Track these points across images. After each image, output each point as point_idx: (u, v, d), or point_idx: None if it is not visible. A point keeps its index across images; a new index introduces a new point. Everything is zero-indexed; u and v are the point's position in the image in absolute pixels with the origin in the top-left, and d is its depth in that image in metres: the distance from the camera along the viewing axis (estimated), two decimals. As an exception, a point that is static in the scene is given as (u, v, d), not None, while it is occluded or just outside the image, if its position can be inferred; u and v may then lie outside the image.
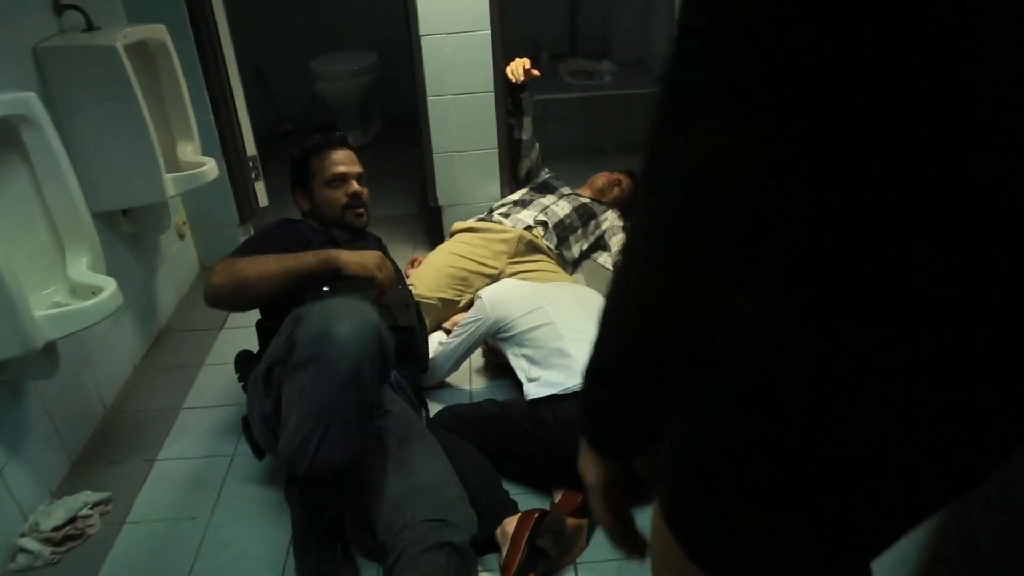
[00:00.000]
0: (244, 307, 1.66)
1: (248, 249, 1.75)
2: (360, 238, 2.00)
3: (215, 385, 2.31)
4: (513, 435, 1.71)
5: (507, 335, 1.95)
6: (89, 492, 1.80)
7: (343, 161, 1.98)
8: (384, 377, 1.42)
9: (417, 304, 2.03)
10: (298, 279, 1.61)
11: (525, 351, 1.90)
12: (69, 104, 1.99)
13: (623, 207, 2.86)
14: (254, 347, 1.92)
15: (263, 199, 2.96)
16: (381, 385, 1.42)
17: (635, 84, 3.80)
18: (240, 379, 1.92)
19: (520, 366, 1.89)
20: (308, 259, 1.63)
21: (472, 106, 2.67)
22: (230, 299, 1.62)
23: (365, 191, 2.02)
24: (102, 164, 2.05)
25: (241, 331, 2.46)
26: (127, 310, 2.34)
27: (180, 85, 2.29)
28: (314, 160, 1.97)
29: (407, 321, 1.82)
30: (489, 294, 2.03)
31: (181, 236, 2.82)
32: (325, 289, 1.66)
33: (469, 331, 2.00)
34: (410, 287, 2.26)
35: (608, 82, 3.90)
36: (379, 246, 2.09)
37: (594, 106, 3.79)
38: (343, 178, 1.95)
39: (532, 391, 1.76)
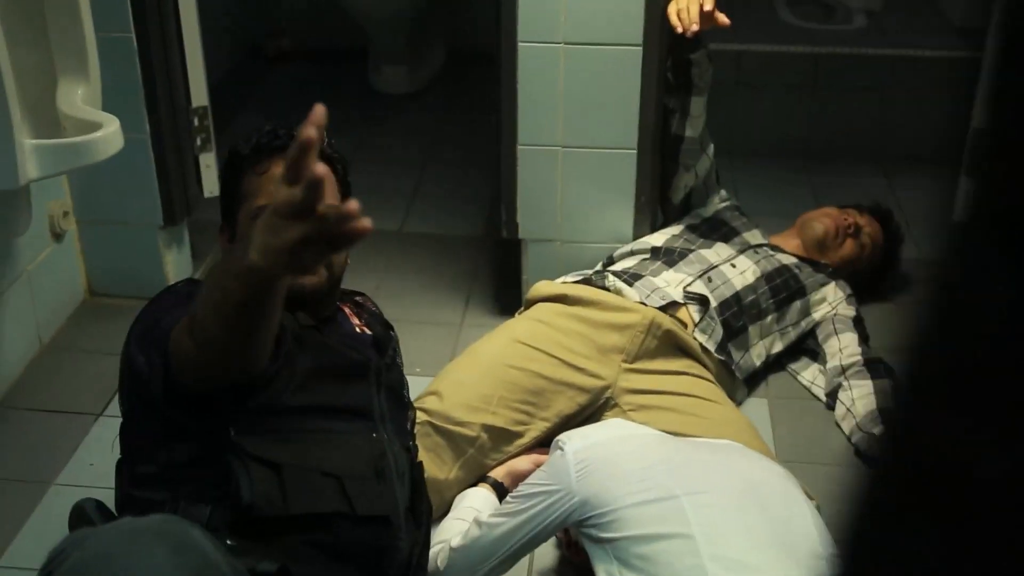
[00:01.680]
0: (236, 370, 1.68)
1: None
2: (322, 322, 1.99)
3: (54, 540, 2.10)
4: None
5: (603, 534, 1.96)
6: None
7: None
8: None
9: (416, 456, 2.03)
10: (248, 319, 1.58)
11: (630, 574, 1.91)
12: None
13: (859, 277, 2.92)
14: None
15: (211, 184, 3.01)
16: None
17: (911, 36, 3.95)
18: None
19: (617, 600, 1.93)
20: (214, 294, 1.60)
21: (599, 68, 2.72)
22: (216, 352, 1.63)
23: None
24: None
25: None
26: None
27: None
28: (247, 175, 1.97)
29: (379, 504, 1.81)
30: (580, 447, 2.03)
31: (58, 235, 2.91)
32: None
33: (536, 508, 2.01)
34: (419, 408, 2.28)
35: (860, 28, 4.06)
36: (380, 334, 2.11)
37: (830, 72, 3.90)
38: None
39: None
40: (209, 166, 2.98)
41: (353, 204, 1.37)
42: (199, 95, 2.90)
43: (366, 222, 1.38)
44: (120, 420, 1.91)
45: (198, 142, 2.92)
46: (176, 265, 2.96)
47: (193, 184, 2.96)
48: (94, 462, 2.44)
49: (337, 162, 2.00)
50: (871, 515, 0.56)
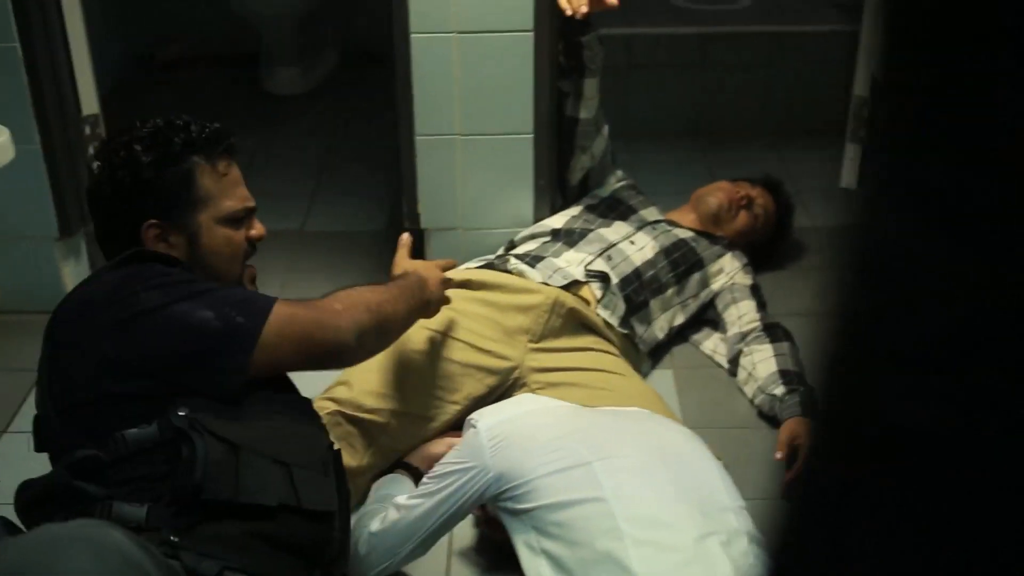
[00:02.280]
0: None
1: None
2: None
3: None
4: None
5: (519, 506, 1.97)
6: None
7: (240, 179, 2.05)
8: None
9: (335, 449, 2.00)
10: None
11: (548, 544, 1.92)
12: None
13: (755, 247, 2.97)
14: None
15: None
16: None
17: (793, 13, 4.03)
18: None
19: (536, 571, 1.92)
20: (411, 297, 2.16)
21: (492, 55, 2.74)
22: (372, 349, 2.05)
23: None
24: None
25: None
26: None
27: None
28: (204, 172, 2.00)
29: (323, 499, 1.82)
30: (493, 423, 2.04)
31: None
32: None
33: (453, 486, 2.02)
34: (328, 398, 2.32)
35: (745, 7, 4.11)
36: None
37: (716, 53, 3.95)
38: (250, 213, 2.04)
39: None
40: (103, 175, 2.95)
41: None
42: (89, 103, 2.88)
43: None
44: (37, 414, 1.84)
45: (91, 151, 2.83)
46: (74, 277, 2.90)
47: (85, 195, 2.91)
48: (0, 480, 2.36)
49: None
50: (814, 478, 0.58)
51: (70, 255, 2.94)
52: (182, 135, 1.97)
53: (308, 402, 1.98)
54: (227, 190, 1.99)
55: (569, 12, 2.59)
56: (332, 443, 1.98)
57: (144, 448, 1.74)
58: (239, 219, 2.01)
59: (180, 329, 1.79)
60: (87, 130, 2.88)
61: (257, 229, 2.04)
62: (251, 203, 2.03)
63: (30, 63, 2.71)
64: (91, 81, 2.88)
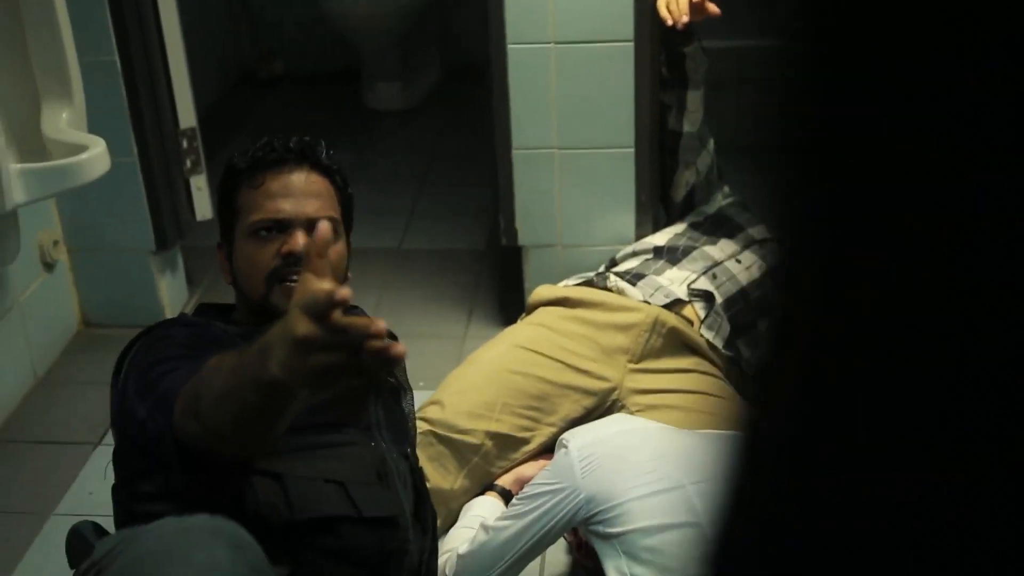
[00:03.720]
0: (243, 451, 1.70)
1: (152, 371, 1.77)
2: None
3: (54, 571, 2.24)
4: None
5: (610, 530, 1.98)
6: None
7: (289, 191, 1.94)
8: None
9: (417, 463, 2.02)
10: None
11: (639, 570, 1.94)
12: None
13: None
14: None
15: (203, 207, 3.04)
16: None
17: None
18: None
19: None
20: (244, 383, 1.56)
21: (591, 66, 2.74)
22: (223, 442, 1.62)
23: (331, 250, 1.84)
24: None
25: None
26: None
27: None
28: (242, 190, 1.97)
29: (384, 505, 1.82)
30: (585, 443, 2.05)
31: (49, 265, 2.93)
32: None
33: (542, 508, 2.02)
34: (421, 418, 2.29)
35: None
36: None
37: None
38: (280, 225, 1.92)
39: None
40: (200, 189, 3.01)
41: (381, 325, 1.31)
42: (187, 116, 2.92)
43: (400, 348, 1.34)
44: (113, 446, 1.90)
45: (188, 164, 2.94)
46: (171, 291, 2.98)
47: (184, 207, 2.97)
48: (93, 491, 2.45)
49: (336, 173, 2.00)
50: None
51: (166, 269, 3.01)
52: (250, 153, 1.99)
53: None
54: (258, 202, 1.94)
55: (670, 22, 2.57)
56: (384, 457, 1.94)
57: (197, 479, 1.73)
58: (268, 232, 1.94)
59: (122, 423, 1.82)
60: (184, 143, 2.93)
61: (291, 243, 1.92)
62: (284, 214, 1.94)
63: (128, 75, 2.76)
64: (189, 94, 2.93)
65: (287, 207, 1.92)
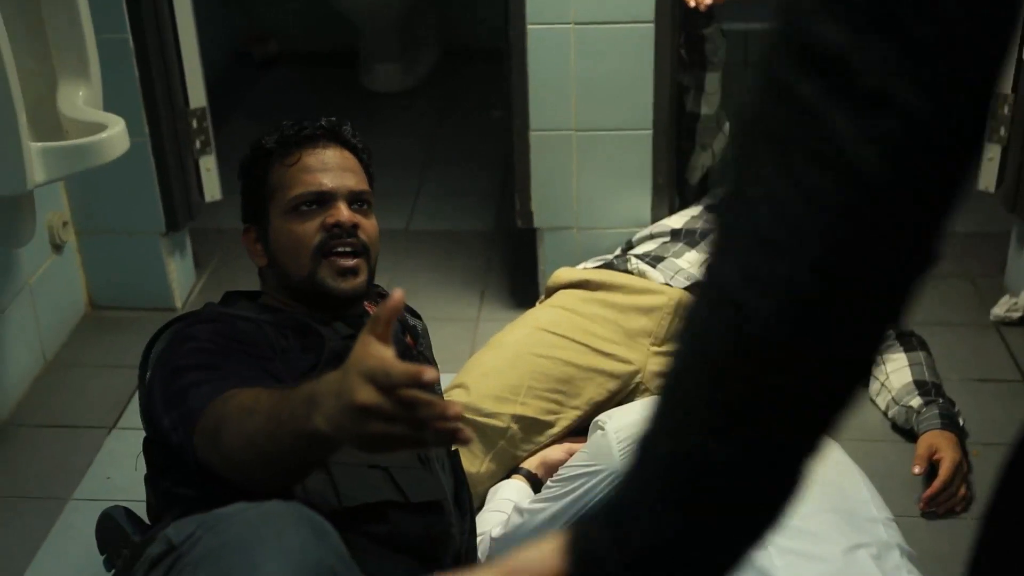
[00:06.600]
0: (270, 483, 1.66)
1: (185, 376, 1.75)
2: (356, 317, 1.98)
3: (78, 554, 2.29)
4: None
5: None
6: None
7: (326, 166, 1.97)
8: None
9: (456, 451, 2.04)
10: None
11: None
12: None
13: None
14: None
15: (213, 189, 3.05)
16: None
17: None
18: (106, 561, 1.97)
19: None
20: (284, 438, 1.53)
21: (611, 48, 2.74)
22: (245, 476, 1.62)
23: (369, 223, 1.98)
24: None
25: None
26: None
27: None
28: (275, 168, 1.98)
29: (430, 489, 1.83)
30: (622, 425, 2.02)
31: (58, 246, 2.92)
32: None
33: (580, 490, 2.01)
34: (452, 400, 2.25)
35: None
36: (407, 323, 2.14)
37: None
38: (321, 198, 1.94)
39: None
40: (209, 170, 3.01)
41: (456, 408, 1.25)
42: (197, 96, 2.92)
43: (467, 433, 1.28)
44: (141, 435, 1.88)
45: (197, 145, 2.94)
46: (179, 273, 2.97)
47: (195, 188, 2.97)
48: (111, 475, 2.47)
49: (362, 151, 2.02)
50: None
51: (175, 251, 3.01)
52: (274, 135, 2.00)
53: None
54: (297, 177, 1.95)
55: (692, 3, 2.60)
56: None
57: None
58: (308, 207, 1.95)
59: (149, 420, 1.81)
60: (194, 123, 2.93)
61: (334, 215, 1.93)
62: (326, 187, 1.95)
63: (141, 55, 2.75)
64: (199, 74, 2.92)
65: (327, 180, 1.94)
